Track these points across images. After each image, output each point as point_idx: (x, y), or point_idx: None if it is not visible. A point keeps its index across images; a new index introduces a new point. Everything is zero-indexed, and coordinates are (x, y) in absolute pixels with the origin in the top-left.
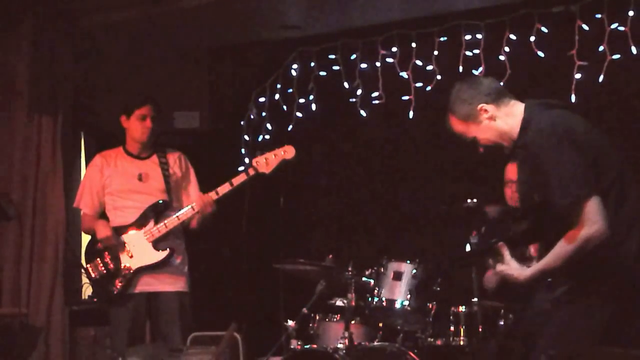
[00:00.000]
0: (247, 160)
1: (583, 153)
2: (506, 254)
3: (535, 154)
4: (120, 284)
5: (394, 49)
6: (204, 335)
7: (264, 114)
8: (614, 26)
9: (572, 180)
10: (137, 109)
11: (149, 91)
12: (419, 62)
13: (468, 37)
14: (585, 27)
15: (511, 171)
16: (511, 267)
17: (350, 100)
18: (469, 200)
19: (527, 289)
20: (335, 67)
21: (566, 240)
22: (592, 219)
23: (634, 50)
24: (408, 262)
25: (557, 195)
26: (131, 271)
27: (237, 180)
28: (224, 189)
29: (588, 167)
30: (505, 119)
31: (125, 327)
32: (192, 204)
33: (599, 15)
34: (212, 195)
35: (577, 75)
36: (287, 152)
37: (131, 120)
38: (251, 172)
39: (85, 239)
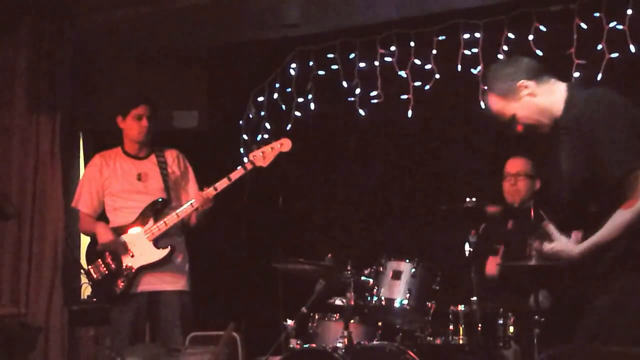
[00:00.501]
0: (245, 160)
1: (632, 126)
2: (554, 231)
3: (587, 129)
4: (122, 284)
5: (393, 48)
6: (202, 335)
7: (262, 113)
8: (612, 25)
9: (626, 152)
10: (133, 109)
11: (148, 91)
12: (417, 61)
13: (466, 36)
14: (584, 25)
15: (511, 165)
16: (563, 242)
17: (349, 99)
18: (468, 200)
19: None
20: (334, 67)
21: (624, 209)
22: None
23: (632, 48)
24: (407, 261)
25: (612, 167)
26: (133, 270)
27: (235, 175)
28: (223, 184)
29: (638, 139)
30: (546, 95)
31: (127, 327)
32: (192, 201)
33: (597, 14)
34: (211, 191)
35: (576, 74)
36: (284, 144)
37: (127, 121)
38: (249, 166)
39: (85, 238)
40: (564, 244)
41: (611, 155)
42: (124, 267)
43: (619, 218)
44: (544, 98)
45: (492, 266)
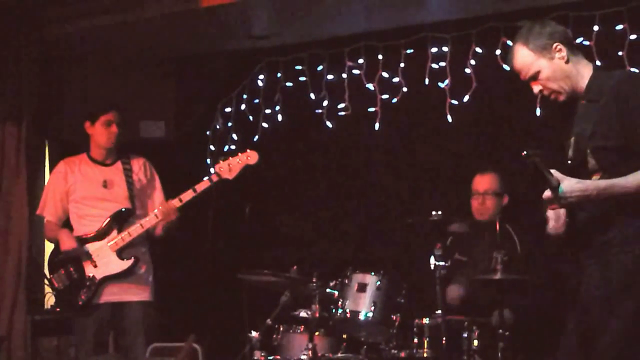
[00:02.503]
0: (212, 170)
1: None
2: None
3: (627, 100)
4: (85, 295)
5: (361, 61)
6: (164, 346)
7: (229, 124)
8: (579, 40)
9: None
10: (103, 115)
11: (115, 100)
12: (385, 74)
13: (434, 49)
14: None
15: (479, 182)
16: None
17: (317, 111)
18: (434, 213)
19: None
20: (302, 78)
21: None
22: None
23: (598, 64)
24: (372, 273)
25: None
26: (96, 281)
27: (201, 186)
28: (187, 195)
29: None
30: (575, 65)
31: (90, 337)
32: (156, 211)
33: None
34: (176, 202)
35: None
36: (251, 157)
37: (96, 126)
38: (214, 178)
39: (49, 247)
40: (570, 181)
41: None
42: (86, 277)
43: (638, 174)
44: (573, 66)
45: (453, 293)
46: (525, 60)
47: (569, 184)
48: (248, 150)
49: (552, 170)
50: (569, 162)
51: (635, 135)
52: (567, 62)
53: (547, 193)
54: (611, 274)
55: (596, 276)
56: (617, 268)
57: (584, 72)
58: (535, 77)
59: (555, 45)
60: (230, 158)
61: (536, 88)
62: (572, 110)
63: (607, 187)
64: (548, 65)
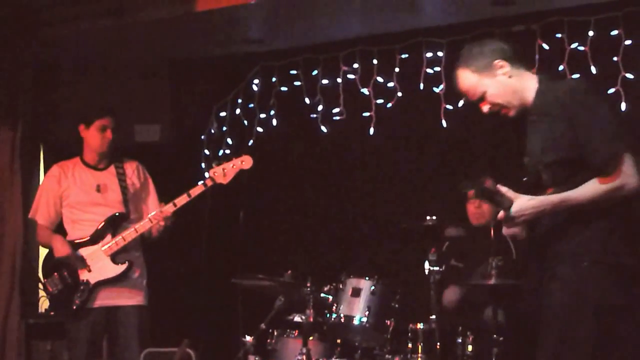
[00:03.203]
0: (207, 174)
1: (611, 110)
2: (507, 190)
3: (572, 112)
4: (78, 299)
5: (356, 65)
6: (157, 351)
7: (224, 128)
8: (574, 46)
9: (613, 135)
10: (98, 120)
11: (110, 104)
12: (380, 79)
13: (429, 54)
14: (546, 46)
15: None
16: (521, 199)
17: (311, 115)
18: (428, 218)
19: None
20: (297, 83)
21: (600, 181)
22: (628, 172)
23: (593, 69)
24: (367, 278)
25: (600, 148)
26: (90, 285)
27: (195, 191)
28: (182, 200)
29: (619, 124)
30: (519, 79)
31: (84, 341)
32: (150, 216)
33: (559, 35)
34: (170, 207)
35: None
36: (245, 162)
37: (90, 130)
38: (209, 182)
39: (43, 251)
40: (524, 197)
41: (600, 137)
42: (80, 281)
43: (592, 186)
44: (517, 80)
45: (450, 295)
46: (469, 82)
47: (520, 203)
48: (242, 155)
49: (505, 190)
50: (525, 179)
51: (584, 148)
52: (510, 77)
53: (501, 214)
54: (558, 285)
55: (547, 287)
56: (565, 279)
57: (529, 85)
58: (483, 97)
59: (496, 62)
60: (224, 163)
61: (485, 107)
62: (524, 126)
63: (561, 201)
64: (492, 83)
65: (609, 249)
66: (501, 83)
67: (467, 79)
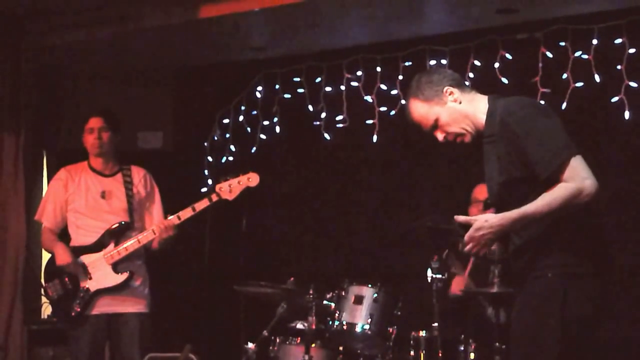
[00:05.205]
0: (209, 181)
1: (556, 119)
2: (468, 219)
3: (511, 132)
4: (78, 306)
5: (359, 73)
6: (160, 356)
7: (227, 135)
8: (577, 54)
9: (555, 143)
10: (85, 123)
11: (109, 107)
12: (383, 87)
13: (433, 62)
14: (549, 54)
15: (479, 192)
16: (481, 217)
17: (315, 123)
18: (430, 224)
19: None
20: (300, 90)
21: (558, 188)
22: (582, 174)
23: (597, 78)
24: (369, 285)
25: (543, 161)
26: (90, 293)
27: (200, 205)
28: (186, 213)
29: (564, 130)
30: (469, 103)
31: (85, 348)
32: (153, 227)
33: (563, 43)
34: (174, 219)
35: (540, 102)
36: (252, 179)
37: (84, 135)
38: (214, 198)
39: (46, 256)
40: (482, 217)
41: (541, 149)
42: (80, 288)
43: (551, 195)
44: (467, 105)
45: (457, 286)
46: (420, 112)
47: (477, 224)
48: (249, 172)
49: (463, 218)
50: (489, 202)
51: (532, 165)
52: (460, 102)
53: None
54: (524, 299)
55: (516, 302)
56: (530, 293)
57: (480, 107)
58: (435, 125)
59: (445, 89)
60: (230, 179)
61: (440, 136)
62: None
63: (520, 216)
64: (443, 111)
65: (570, 259)
66: (452, 109)
67: (418, 108)
